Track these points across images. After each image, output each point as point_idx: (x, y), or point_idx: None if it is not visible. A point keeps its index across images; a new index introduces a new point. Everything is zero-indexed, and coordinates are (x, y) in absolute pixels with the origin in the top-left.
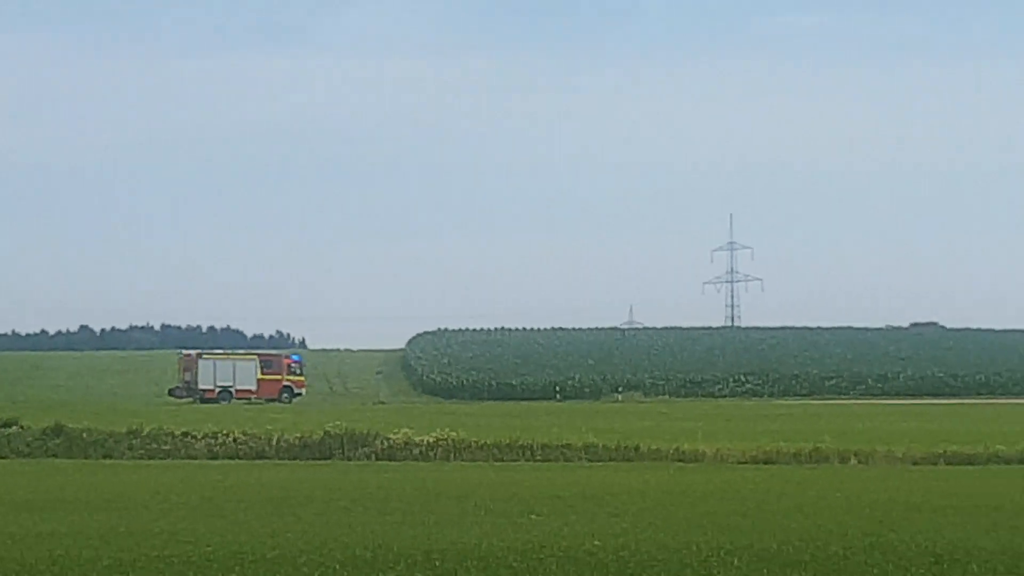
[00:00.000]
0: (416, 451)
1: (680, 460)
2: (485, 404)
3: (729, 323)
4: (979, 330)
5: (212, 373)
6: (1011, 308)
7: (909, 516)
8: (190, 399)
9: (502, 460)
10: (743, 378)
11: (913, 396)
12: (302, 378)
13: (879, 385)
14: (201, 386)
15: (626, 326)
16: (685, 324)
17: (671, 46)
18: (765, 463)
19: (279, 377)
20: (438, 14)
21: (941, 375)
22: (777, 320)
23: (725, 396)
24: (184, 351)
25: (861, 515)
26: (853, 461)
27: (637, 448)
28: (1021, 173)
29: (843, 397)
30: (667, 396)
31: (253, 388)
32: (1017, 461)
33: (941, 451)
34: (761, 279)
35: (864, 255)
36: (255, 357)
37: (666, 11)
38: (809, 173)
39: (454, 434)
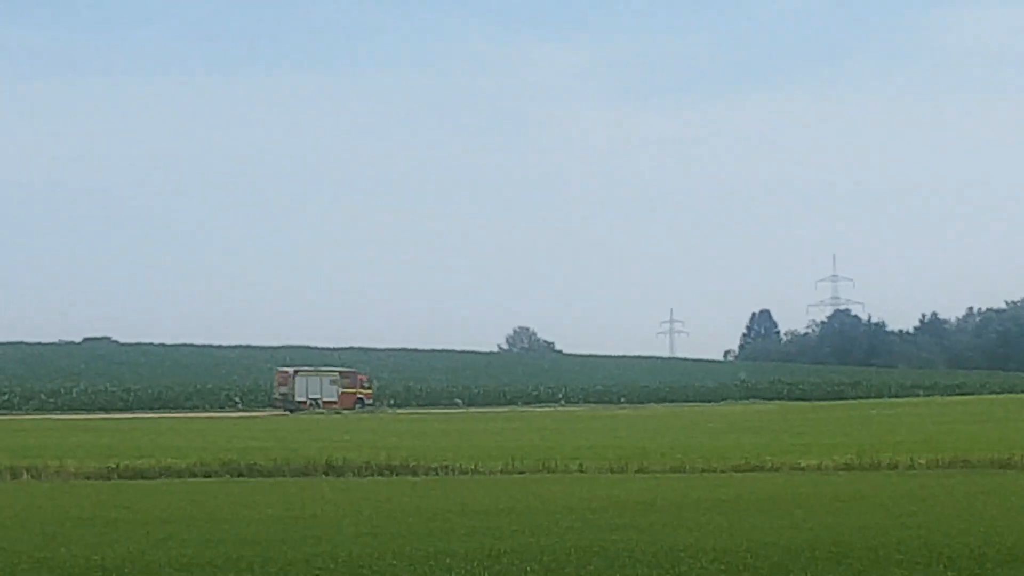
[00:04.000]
0: None
1: None
2: None
3: None
4: (151, 344)
5: (305, 387)
6: (182, 323)
7: (79, 530)
8: (287, 410)
9: None
10: None
11: (87, 411)
12: (370, 391)
13: (52, 400)
14: (297, 398)
15: None
16: None
17: None
18: None
19: (354, 390)
20: None
21: (115, 389)
22: None
23: None
24: (280, 368)
25: (32, 531)
26: (25, 476)
27: None
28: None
29: (16, 412)
30: None
31: (336, 400)
32: (189, 474)
33: (115, 465)
34: None
35: (34, 269)
36: (337, 373)
37: None
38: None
39: None
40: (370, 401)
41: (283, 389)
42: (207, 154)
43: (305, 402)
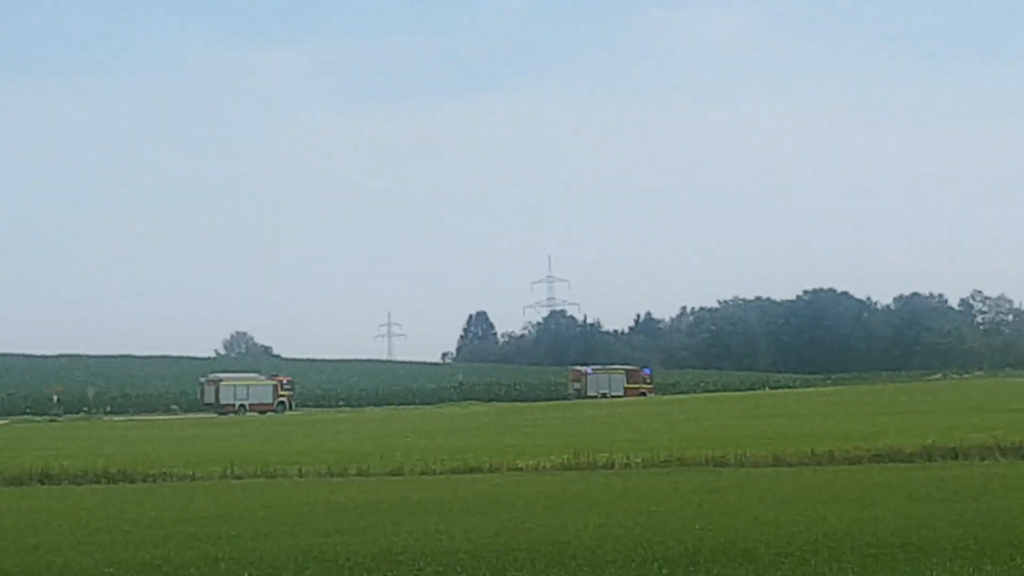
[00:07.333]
0: None
1: None
2: None
3: None
4: None
5: (596, 383)
6: None
7: None
8: (579, 399)
9: None
10: None
11: None
12: (651, 385)
13: None
14: (588, 393)
15: None
16: None
17: None
18: None
19: (637, 385)
20: None
21: None
22: None
23: None
24: (574, 367)
25: None
26: None
27: None
28: None
29: None
30: None
31: (622, 394)
32: None
33: None
34: None
35: None
36: (623, 371)
37: None
38: None
39: None
40: (651, 394)
41: (576, 385)
42: None
43: (596, 396)
